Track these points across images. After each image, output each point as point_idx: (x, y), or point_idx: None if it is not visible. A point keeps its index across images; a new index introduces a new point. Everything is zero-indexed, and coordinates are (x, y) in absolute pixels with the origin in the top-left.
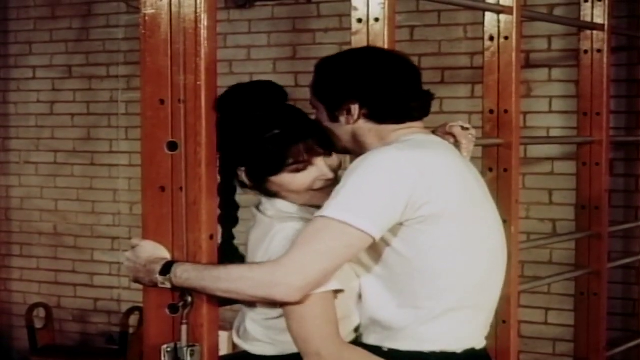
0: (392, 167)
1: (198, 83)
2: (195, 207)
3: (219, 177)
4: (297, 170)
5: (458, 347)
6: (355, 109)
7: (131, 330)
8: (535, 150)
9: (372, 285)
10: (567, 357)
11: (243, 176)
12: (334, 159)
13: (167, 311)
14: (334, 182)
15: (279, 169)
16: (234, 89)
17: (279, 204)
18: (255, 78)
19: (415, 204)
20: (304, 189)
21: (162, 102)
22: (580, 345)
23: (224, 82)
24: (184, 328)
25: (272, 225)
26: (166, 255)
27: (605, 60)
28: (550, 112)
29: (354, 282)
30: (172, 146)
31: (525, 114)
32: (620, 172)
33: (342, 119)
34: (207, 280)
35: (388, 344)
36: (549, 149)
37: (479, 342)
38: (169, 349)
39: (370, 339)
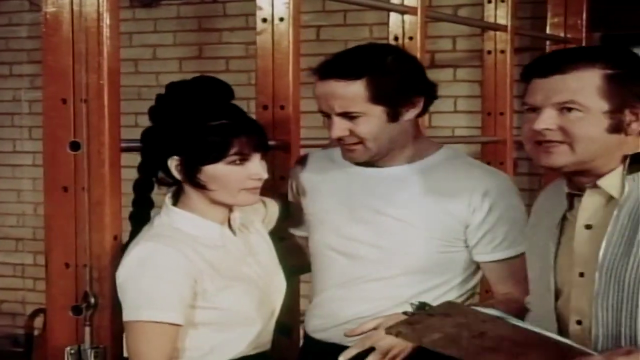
0: None
1: (101, 82)
2: (99, 208)
3: (138, 173)
4: (235, 163)
5: None
6: (420, 102)
7: (36, 332)
8: None
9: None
10: None
11: (174, 167)
12: (265, 165)
13: (70, 313)
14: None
15: (219, 158)
16: (184, 82)
17: (174, 214)
18: (161, 77)
19: None
20: (235, 185)
21: (64, 101)
22: None
23: (130, 82)
24: (87, 330)
25: (137, 242)
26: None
27: (508, 60)
28: (455, 112)
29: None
30: (75, 146)
31: (430, 113)
32: (524, 171)
33: (403, 115)
34: None
35: None
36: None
37: None
38: (72, 351)
39: None
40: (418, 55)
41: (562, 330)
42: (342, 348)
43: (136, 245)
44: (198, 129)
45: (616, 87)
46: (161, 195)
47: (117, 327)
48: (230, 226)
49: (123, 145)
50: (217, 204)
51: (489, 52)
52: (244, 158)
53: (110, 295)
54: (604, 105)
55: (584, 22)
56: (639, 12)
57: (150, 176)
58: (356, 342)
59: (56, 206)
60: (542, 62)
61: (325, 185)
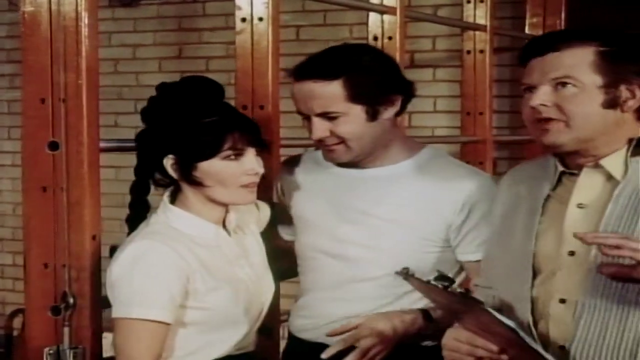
0: None
1: (79, 82)
2: (78, 208)
3: (134, 176)
4: (230, 158)
5: None
6: (398, 100)
7: (15, 333)
8: None
9: None
10: None
11: (170, 166)
12: (260, 161)
13: (49, 313)
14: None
15: (213, 154)
16: (175, 83)
17: (171, 212)
18: (141, 77)
19: None
20: (233, 180)
21: (42, 101)
22: None
23: (109, 81)
24: (66, 330)
25: (132, 238)
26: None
27: (487, 60)
28: (435, 111)
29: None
30: (53, 146)
31: (410, 113)
32: (504, 171)
33: (382, 114)
34: None
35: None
36: None
37: None
38: (51, 352)
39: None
40: (397, 55)
41: (536, 311)
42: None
43: (131, 243)
44: (191, 127)
45: (610, 63)
46: (157, 196)
47: (96, 327)
48: (225, 227)
49: (102, 145)
50: (215, 203)
51: (469, 52)
52: (238, 153)
53: (90, 296)
54: (598, 80)
55: (563, 22)
56: (617, 12)
57: (146, 178)
58: (338, 341)
59: (35, 206)
60: (538, 42)
61: (311, 188)
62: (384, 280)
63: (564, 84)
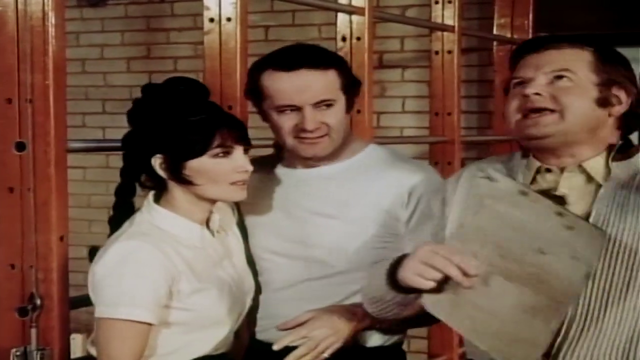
0: None
1: (46, 82)
2: (45, 208)
3: (120, 178)
4: (219, 156)
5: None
6: (357, 95)
7: None
8: None
9: None
10: (422, 353)
11: (158, 166)
12: (248, 159)
13: (16, 314)
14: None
15: (202, 151)
16: (160, 84)
17: (156, 212)
18: (109, 77)
19: None
20: (223, 178)
21: (9, 101)
22: (434, 342)
23: (77, 81)
24: (33, 331)
25: (117, 238)
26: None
27: (455, 61)
28: (404, 112)
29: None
30: (20, 146)
31: (378, 114)
32: None
33: (351, 108)
34: None
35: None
36: (403, 148)
37: None
38: (18, 353)
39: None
40: (366, 55)
41: None
42: (285, 349)
43: (116, 242)
44: (179, 125)
45: (606, 66)
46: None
47: (64, 328)
48: (208, 227)
49: (69, 145)
50: (203, 200)
51: (437, 53)
52: (227, 151)
53: (57, 297)
54: (594, 78)
55: (531, 23)
56: (584, 13)
57: (132, 180)
58: (291, 332)
59: (2, 207)
60: (536, 40)
61: (261, 188)
62: (336, 279)
63: (560, 77)
